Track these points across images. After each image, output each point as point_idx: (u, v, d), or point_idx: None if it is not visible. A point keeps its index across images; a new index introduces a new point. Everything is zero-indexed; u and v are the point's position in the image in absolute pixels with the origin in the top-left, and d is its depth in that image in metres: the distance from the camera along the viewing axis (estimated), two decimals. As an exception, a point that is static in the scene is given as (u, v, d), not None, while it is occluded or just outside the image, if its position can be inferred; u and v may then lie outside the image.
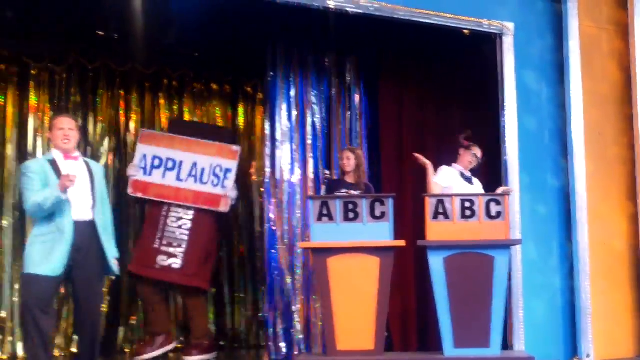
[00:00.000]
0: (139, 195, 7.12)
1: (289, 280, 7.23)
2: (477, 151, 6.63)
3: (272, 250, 7.27)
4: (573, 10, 7.29)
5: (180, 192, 7.15)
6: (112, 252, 5.38)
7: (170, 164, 7.16)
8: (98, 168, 5.62)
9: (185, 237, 7.07)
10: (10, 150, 7.73)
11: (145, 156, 7.15)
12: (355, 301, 5.85)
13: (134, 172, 7.11)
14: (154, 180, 7.13)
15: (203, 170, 7.19)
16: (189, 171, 7.17)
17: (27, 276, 5.14)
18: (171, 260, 6.98)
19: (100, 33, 7.61)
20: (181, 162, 7.18)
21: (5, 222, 7.62)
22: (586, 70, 7.28)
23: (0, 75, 7.80)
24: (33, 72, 7.86)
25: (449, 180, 6.51)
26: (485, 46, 7.27)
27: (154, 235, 7.06)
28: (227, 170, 7.24)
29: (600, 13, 7.54)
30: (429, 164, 6.52)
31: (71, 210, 5.12)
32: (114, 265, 5.37)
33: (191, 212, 7.16)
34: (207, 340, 7.30)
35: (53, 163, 5.26)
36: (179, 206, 7.15)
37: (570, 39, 7.25)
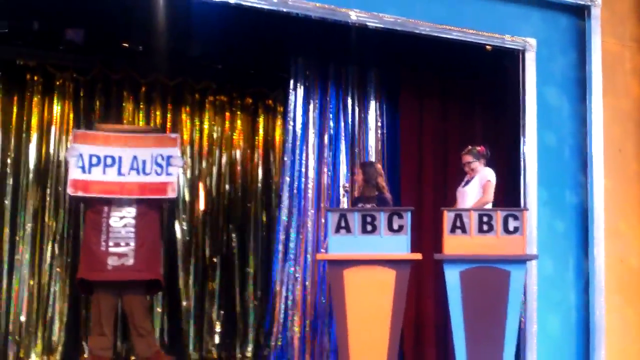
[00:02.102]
0: (80, 194, 6.81)
1: (296, 291, 7.34)
2: (465, 158, 6.60)
3: (281, 261, 7.38)
4: (596, 27, 7.27)
5: (124, 186, 6.90)
6: None
7: (109, 161, 6.91)
8: None
9: (132, 235, 6.84)
10: (32, 158, 7.88)
11: (81, 155, 6.84)
12: (370, 313, 5.86)
13: (71, 155, 6.86)
14: (94, 177, 6.83)
15: (144, 161, 6.97)
16: (130, 165, 6.95)
17: None
18: (123, 260, 6.78)
19: (125, 45, 7.72)
20: (120, 158, 6.93)
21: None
22: (608, 87, 7.27)
23: (25, 85, 7.92)
24: (57, 82, 8.00)
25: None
26: (507, 61, 7.27)
27: (98, 239, 6.79)
28: (169, 157, 7.01)
29: (623, 30, 7.53)
30: None
31: None
32: None
33: (133, 210, 6.93)
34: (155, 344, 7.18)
35: None
36: (120, 206, 6.91)
37: (592, 55, 7.23)
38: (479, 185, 6.52)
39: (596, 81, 7.20)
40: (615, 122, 7.28)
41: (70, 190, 6.83)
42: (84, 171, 6.85)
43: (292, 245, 7.39)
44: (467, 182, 6.60)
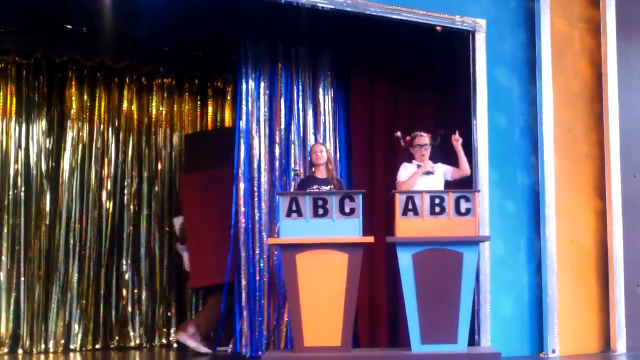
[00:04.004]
0: None
1: (254, 277, 7.26)
2: (420, 140, 6.53)
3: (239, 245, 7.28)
4: (545, 8, 7.29)
5: None
6: None
7: None
8: None
9: None
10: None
11: None
12: (323, 297, 5.82)
13: None
14: None
15: None
16: None
17: None
18: None
19: (68, 26, 7.53)
20: None
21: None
22: (557, 68, 7.29)
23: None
24: (-1, 65, 7.83)
25: (407, 175, 6.51)
26: (457, 42, 7.24)
27: None
28: None
29: (572, 11, 7.55)
30: None
31: None
32: None
33: None
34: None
35: None
36: None
37: (542, 36, 7.24)
38: (442, 175, 6.54)
39: (546, 62, 7.22)
40: (564, 103, 7.30)
41: None
42: None
43: (246, 230, 7.29)
44: (428, 172, 6.55)
